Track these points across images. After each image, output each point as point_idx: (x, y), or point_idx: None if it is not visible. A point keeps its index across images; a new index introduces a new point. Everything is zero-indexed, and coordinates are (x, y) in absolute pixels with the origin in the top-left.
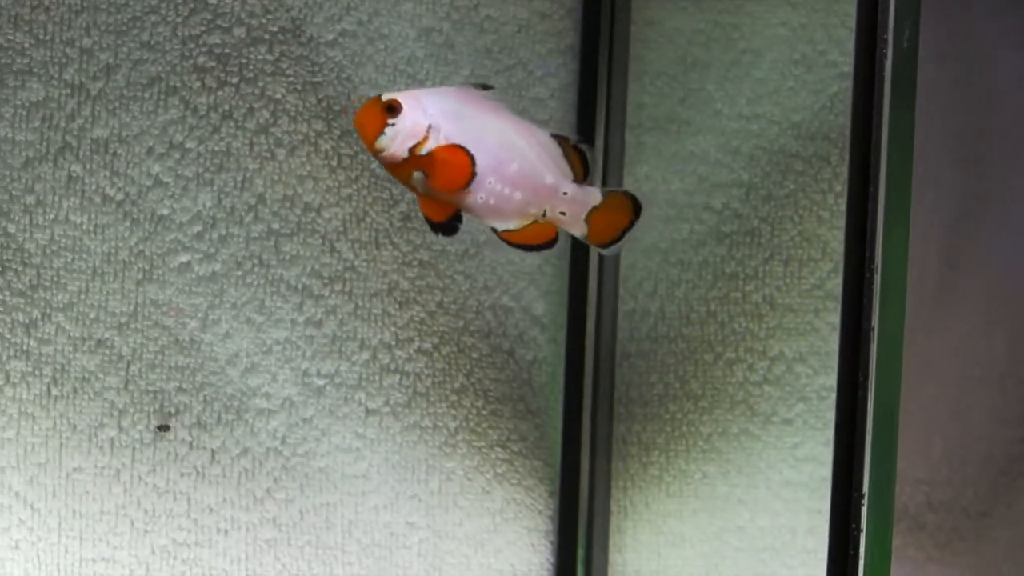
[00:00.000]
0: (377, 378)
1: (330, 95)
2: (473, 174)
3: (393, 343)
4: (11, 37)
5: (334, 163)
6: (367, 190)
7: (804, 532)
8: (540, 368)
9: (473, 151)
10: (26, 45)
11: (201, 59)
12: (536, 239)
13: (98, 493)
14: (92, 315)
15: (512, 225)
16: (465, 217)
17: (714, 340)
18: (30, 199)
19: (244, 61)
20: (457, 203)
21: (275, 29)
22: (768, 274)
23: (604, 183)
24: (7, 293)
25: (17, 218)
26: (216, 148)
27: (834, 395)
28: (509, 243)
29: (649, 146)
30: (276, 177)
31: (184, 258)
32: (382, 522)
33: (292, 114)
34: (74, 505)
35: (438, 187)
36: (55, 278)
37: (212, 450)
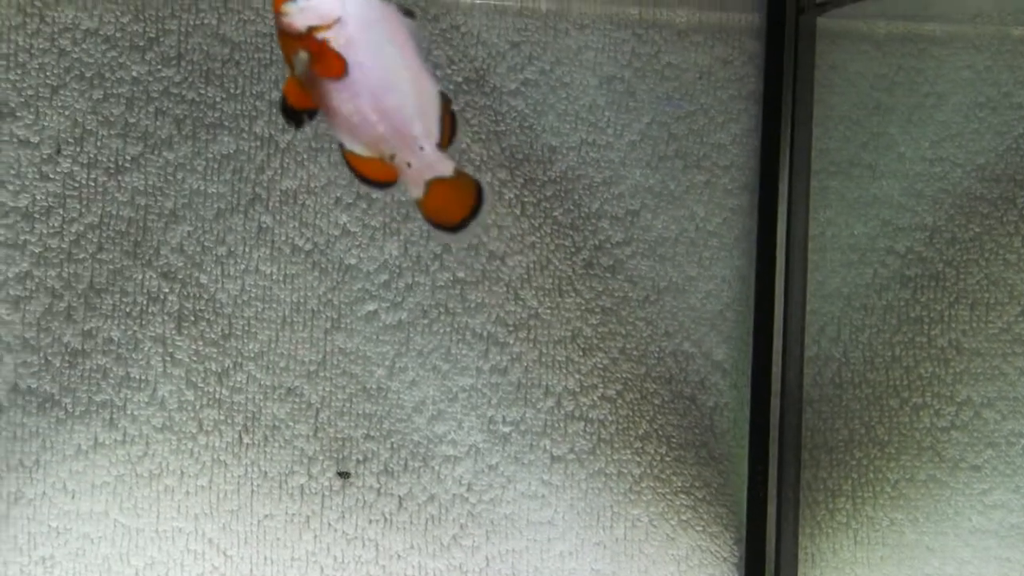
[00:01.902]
0: (562, 425)
1: (513, 144)
2: (345, 70)
3: (577, 390)
4: (203, 91)
5: (517, 211)
6: (550, 238)
7: None
8: (722, 414)
9: (364, 66)
10: (217, 99)
11: None
12: (374, 175)
13: (289, 540)
14: (282, 364)
15: (360, 150)
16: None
17: (899, 385)
18: (222, 250)
19: None
20: (323, 103)
21: (459, 79)
22: (954, 318)
23: (788, 227)
24: (200, 343)
25: (209, 269)
26: (402, 198)
27: None
28: (349, 165)
29: (833, 190)
30: None
31: (371, 307)
32: (568, 569)
33: (476, 163)
34: (265, 552)
35: (319, 71)
36: (246, 327)
37: (399, 497)
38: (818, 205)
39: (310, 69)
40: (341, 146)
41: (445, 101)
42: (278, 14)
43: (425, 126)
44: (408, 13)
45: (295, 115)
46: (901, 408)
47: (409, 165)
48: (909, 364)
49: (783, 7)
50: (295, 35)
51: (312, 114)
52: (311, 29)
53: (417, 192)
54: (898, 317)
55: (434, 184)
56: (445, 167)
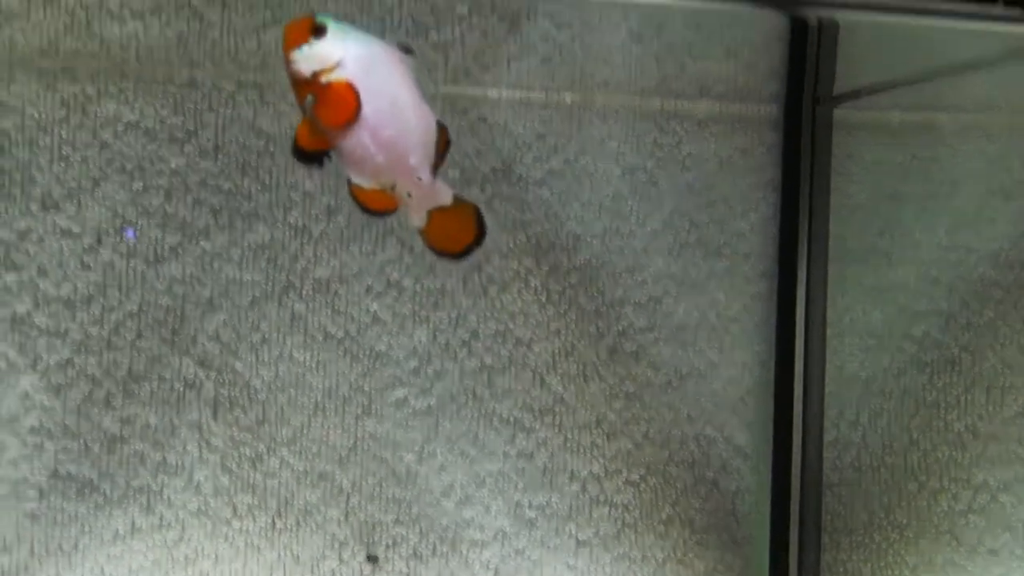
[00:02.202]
0: (587, 509)
1: (538, 232)
2: (354, 119)
3: (602, 474)
4: (239, 183)
5: (543, 298)
6: (575, 324)
7: None
8: (743, 498)
9: (365, 104)
10: (253, 190)
11: None
12: (375, 205)
13: None
14: (314, 449)
15: (364, 183)
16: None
17: (917, 469)
18: (256, 337)
19: None
20: (331, 140)
21: (486, 170)
22: (970, 403)
23: (807, 313)
24: (235, 429)
25: (244, 356)
26: (431, 286)
27: None
28: (354, 199)
29: (850, 277)
30: (489, 313)
31: (401, 393)
32: None
33: (503, 252)
34: None
35: (321, 118)
36: (279, 413)
37: None
38: (836, 292)
39: (314, 112)
40: (348, 181)
41: (441, 129)
42: (287, 62)
43: (423, 157)
44: (407, 51)
45: (310, 156)
46: (919, 492)
47: (409, 195)
48: (927, 448)
49: (800, 99)
50: (303, 80)
51: (328, 154)
52: (315, 74)
53: (419, 222)
54: (915, 402)
55: (435, 213)
56: (443, 196)
